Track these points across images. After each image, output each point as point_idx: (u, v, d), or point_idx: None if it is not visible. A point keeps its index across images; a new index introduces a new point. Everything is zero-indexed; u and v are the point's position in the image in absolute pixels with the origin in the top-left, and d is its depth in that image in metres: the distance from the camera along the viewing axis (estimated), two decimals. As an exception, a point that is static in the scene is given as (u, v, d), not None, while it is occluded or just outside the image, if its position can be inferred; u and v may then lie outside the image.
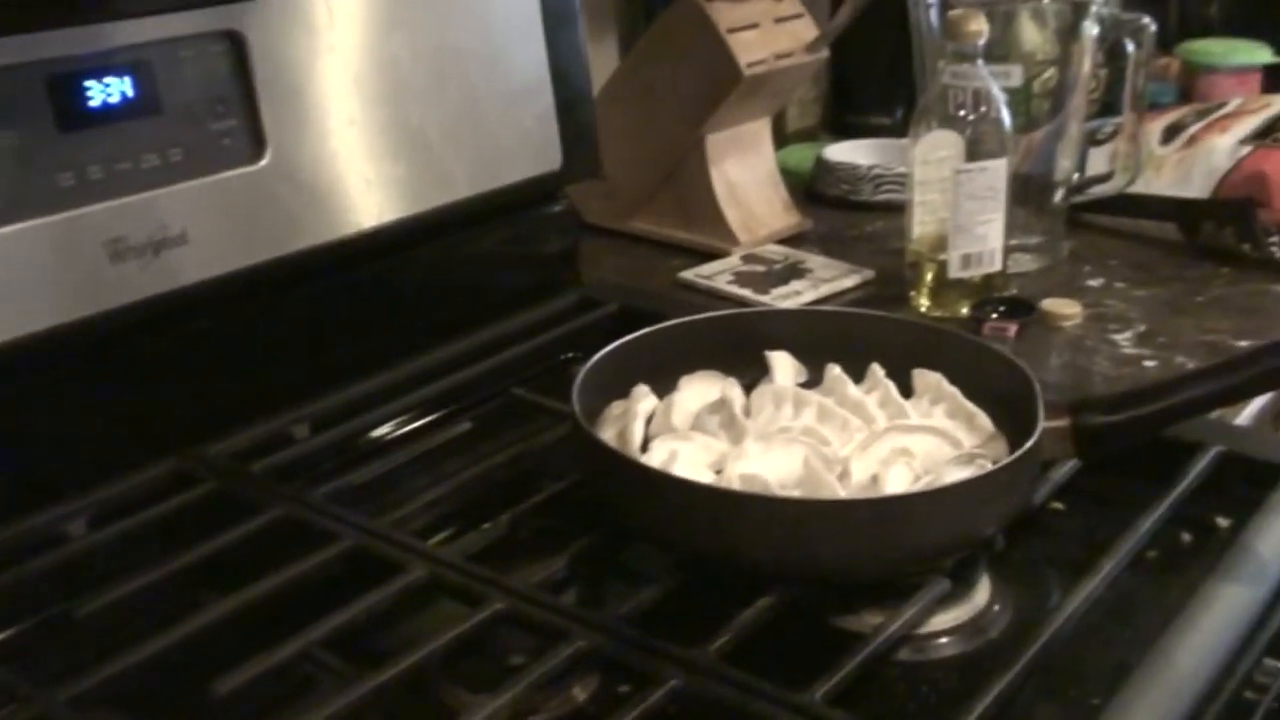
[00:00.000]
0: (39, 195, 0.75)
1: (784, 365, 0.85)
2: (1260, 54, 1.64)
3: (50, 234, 0.75)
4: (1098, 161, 1.32)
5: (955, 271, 1.10)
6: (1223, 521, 0.79)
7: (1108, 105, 1.50)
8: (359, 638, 0.68)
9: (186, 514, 0.78)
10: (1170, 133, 1.32)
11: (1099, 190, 1.28)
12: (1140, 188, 1.27)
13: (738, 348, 0.86)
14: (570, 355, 1.02)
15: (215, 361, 0.86)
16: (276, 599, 0.69)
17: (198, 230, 0.81)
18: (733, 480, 0.72)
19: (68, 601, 0.69)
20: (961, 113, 1.07)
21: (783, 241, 1.31)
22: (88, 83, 0.76)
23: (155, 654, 0.65)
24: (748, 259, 1.25)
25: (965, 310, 1.11)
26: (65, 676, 0.62)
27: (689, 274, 1.23)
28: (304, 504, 0.77)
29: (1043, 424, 0.71)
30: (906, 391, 0.82)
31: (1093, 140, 1.34)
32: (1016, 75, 1.17)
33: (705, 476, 0.74)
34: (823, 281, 1.19)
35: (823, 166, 1.45)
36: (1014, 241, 1.15)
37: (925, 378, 0.82)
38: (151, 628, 0.66)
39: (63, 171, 0.75)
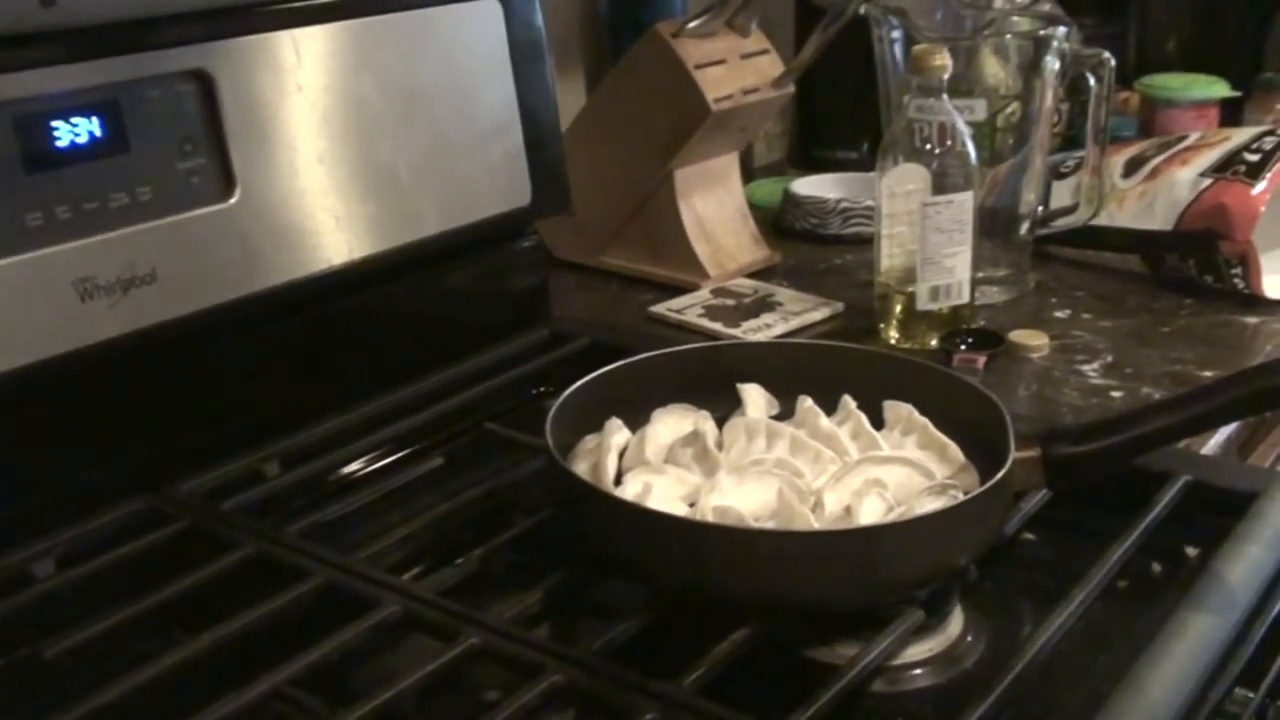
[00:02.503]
0: (6, 235, 0.74)
1: (756, 398, 0.85)
2: (1217, 88, 1.66)
3: (18, 274, 0.75)
4: (1061, 195, 1.33)
5: (924, 304, 1.11)
6: (1191, 550, 0.80)
7: (1070, 139, 1.52)
8: (332, 675, 0.67)
9: (157, 553, 0.77)
10: (1132, 166, 1.33)
11: (1063, 223, 1.29)
12: (1103, 220, 1.29)
13: (709, 381, 0.86)
14: (541, 390, 1.02)
15: (185, 399, 0.85)
16: (248, 637, 0.69)
17: (167, 269, 0.81)
18: (706, 513, 0.72)
19: (36, 642, 0.68)
20: (927, 146, 1.08)
21: (752, 275, 1.31)
22: (55, 123, 0.76)
23: (126, 694, 0.64)
24: (717, 293, 1.26)
25: (934, 342, 1.12)
26: (34, 718, 0.62)
27: (659, 308, 1.23)
28: (275, 541, 0.77)
29: (1014, 454, 0.72)
30: (878, 423, 0.82)
31: (1056, 174, 1.36)
32: (980, 109, 1.18)
33: (679, 509, 0.74)
34: (792, 314, 1.20)
35: (791, 200, 1.46)
36: (981, 274, 1.16)
37: (896, 409, 0.82)
38: (122, 668, 0.65)
39: (30, 211, 0.75)
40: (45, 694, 0.67)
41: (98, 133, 0.78)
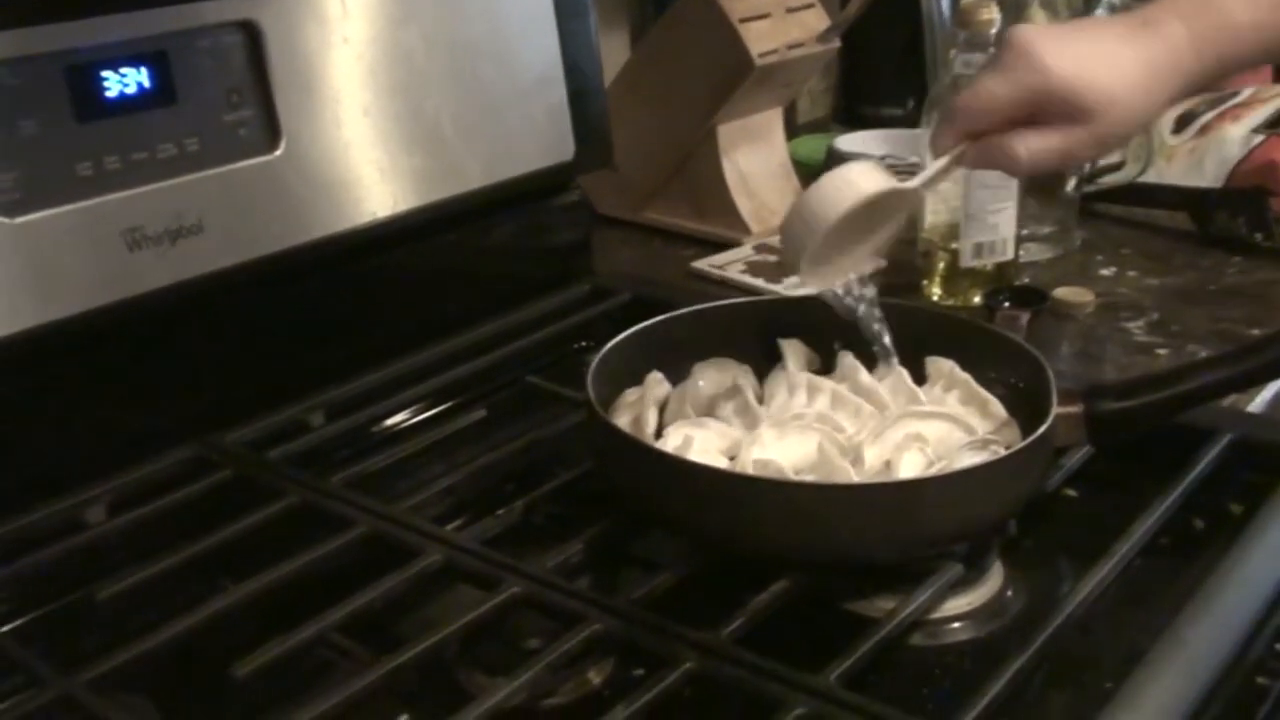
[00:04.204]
0: (57, 185, 0.75)
1: (797, 352, 0.85)
2: (1272, 44, 1.63)
3: (68, 223, 0.75)
4: (1109, 151, 1.32)
5: (967, 260, 1.11)
6: (1235, 508, 0.79)
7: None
8: (375, 622, 0.68)
9: (204, 500, 0.78)
10: (1182, 122, 1.32)
11: (1111, 179, 1.28)
12: (1152, 177, 1.27)
13: (751, 335, 0.86)
14: (583, 344, 1.02)
15: (231, 349, 0.86)
16: (293, 584, 0.70)
17: (214, 219, 0.82)
18: (747, 466, 0.72)
19: (88, 586, 0.70)
20: (974, 102, 1.07)
21: (794, 232, 1.30)
22: (105, 73, 0.77)
23: (174, 638, 0.65)
24: (760, 249, 1.26)
25: (977, 299, 1.11)
26: (85, 660, 0.63)
27: (701, 264, 1.23)
28: (320, 491, 0.78)
29: (1056, 410, 0.72)
30: (919, 378, 0.82)
31: (1104, 130, 1.34)
32: (1028, 65, 1.17)
33: (719, 462, 0.74)
34: (835, 271, 1.19)
35: (835, 157, 1.45)
36: (1026, 231, 1.15)
37: (938, 364, 0.82)
38: (170, 612, 0.66)
39: (81, 161, 0.76)
40: (97, 636, 0.69)
41: (146, 83, 0.79)
